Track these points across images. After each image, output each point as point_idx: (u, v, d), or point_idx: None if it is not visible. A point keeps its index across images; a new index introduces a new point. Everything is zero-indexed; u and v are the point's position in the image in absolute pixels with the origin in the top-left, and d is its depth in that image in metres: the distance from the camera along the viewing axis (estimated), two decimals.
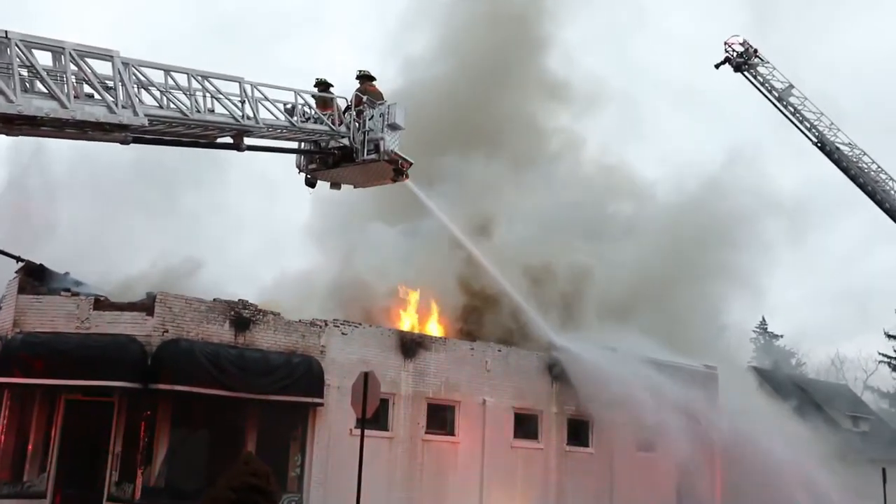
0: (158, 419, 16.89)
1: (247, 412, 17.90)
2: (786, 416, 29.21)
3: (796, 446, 25.86)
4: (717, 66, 34.54)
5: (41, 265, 18.61)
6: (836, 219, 79.04)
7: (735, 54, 33.98)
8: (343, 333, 19.70)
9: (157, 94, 13.24)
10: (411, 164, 18.04)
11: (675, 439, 22.86)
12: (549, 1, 31.35)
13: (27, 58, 11.27)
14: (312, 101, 16.90)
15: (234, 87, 14.54)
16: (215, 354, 17.24)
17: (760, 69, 33.67)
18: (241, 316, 18.22)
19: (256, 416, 18.05)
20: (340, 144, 17.42)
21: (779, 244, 34.57)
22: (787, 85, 33.40)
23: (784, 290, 69.60)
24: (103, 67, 12.42)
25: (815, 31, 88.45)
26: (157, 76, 13.26)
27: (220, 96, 14.22)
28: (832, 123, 32.95)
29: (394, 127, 17.21)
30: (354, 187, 19.41)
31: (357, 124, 17.40)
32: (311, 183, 18.45)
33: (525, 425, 22.92)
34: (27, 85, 11.49)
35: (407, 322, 23.05)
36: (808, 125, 33.07)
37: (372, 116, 17.30)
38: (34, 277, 18.19)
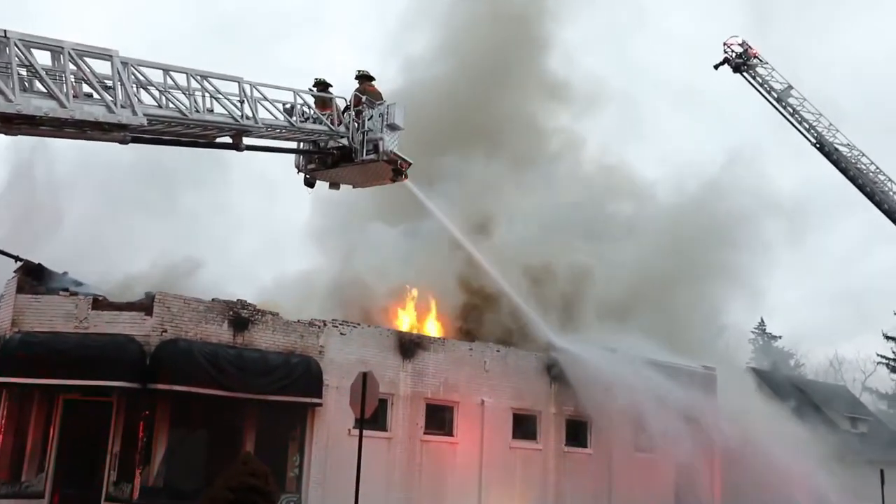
0: (157, 419, 16.89)
1: (245, 412, 17.89)
2: (784, 417, 29.19)
3: (795, 447, 25.87)
4: (715, 67, 34.56)
5: (40, 265, 18.59)
6: (834, 220, 79.19)
7: (734, 55, 33.99)
8: (342, 334, 19.70)
9: (156, 93, 13.23)
10: (410, 164, 18.02)
11: (674, 440, 22.88)
12: (549, 1, 31.40)
13: (26, 57, 11.26)
14: (311, 101, 16.89)
15: (233, 87, 14.53)
16: (214, 354, 17.23)
17: (759, 70, 33.68)
18: (240, 316, 18.21)
19: (255, 417, 18.04)
20: (339, 144, 17.41)
21: (778, 245, 34.64)
22: (785, 86, 33.41)
23: (783, 291, 69.61)
24: (102, 67, 12.41)
25: (815, 31, 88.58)
26: (157, 76, 13.25)
27: (219, 96, 14.20)
28: (831, 124, 32.97)
29: (393, 127, 17.20)
30: (353, 187, 19.40)
31: (356, 124, 17.39)
32: (309, 183, 18.43)
33: (523, 426, 22.92)
34: (26, 84, 11.48)
35: (406, 321, 23.06)
36: (807, 126, 33.07)
37: (371, 116, 17.30)
38: (33, 277, 18.17)
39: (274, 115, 15.53)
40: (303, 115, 16.45)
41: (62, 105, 11.58)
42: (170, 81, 13.42)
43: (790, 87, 33.34)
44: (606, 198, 30.64)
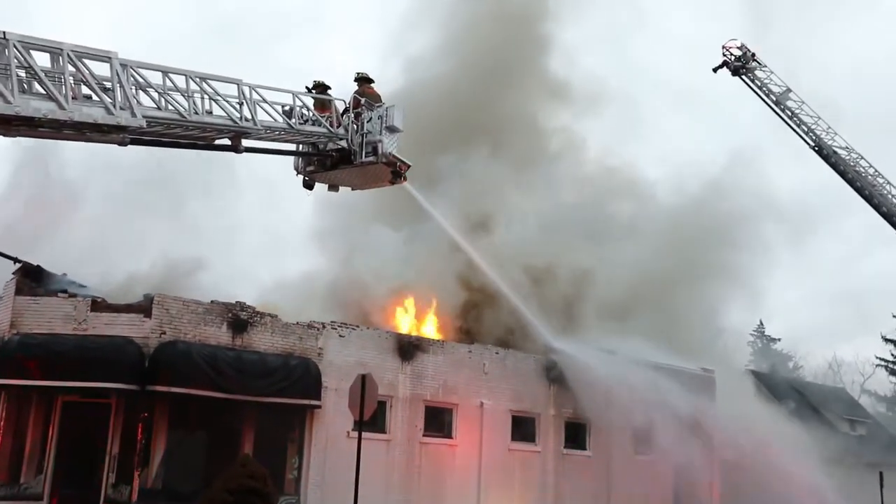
0: (155, 421, 16.85)
1: (244, 414, 17.86)
2: (783, 419, 29.19)
3: (794, 450, 25.86)
4: (714, 70, 34.47)
5: (38, 266, 18.54)
6: (833, 222, 78.84)
7: (733, 58, 33.95)
8: (340, 336, 19.68)
9: (156, 95, 13.23)
10: (409, 166, 18.02)
11: (673, 442, 22.86)
12: (550, 1, 31.41)
13: (25, 59, 11.25)
14: (311, 103, 16.87)
15: (232, 89, 14.53)
16: (213, 356, 17.20)
17: (758, 73, 33.62)
18: (239, 318, 18.19)
19: (254, 419, 18.01)
20: (338, 146, 17.42)
21: (777, 246, 34.64)
22: (784, 89, 33.35)
23: (782, 293, 69.59)
24: (101, 69, 12.42)
25: (815, 31, 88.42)
26: (156, 77, 13.24)
27: (218, 98, 14.21)
28: (829, 127, 32.89)
29: (392, 129, 17.21)
30: (352, 189, 19.40)
31: (355, 126, 17.40)
32: (308, 185, 18.43)
33: (522, 428, 22.90)
34: (25, 86, 11.48)
35: (405, 322, 23.04)
36: (806, 129, 33.01)
37: (370, 119, 17.30)
38: (31, 278, 18.11)
39: (273, 118, 15.53)
40: (302, 117, 16.45)
41: (61, 107, 11.58)
42: (169, 83, 13.42)
43: (789, 90, 33.29)
44: (607, 198, 30.65)
